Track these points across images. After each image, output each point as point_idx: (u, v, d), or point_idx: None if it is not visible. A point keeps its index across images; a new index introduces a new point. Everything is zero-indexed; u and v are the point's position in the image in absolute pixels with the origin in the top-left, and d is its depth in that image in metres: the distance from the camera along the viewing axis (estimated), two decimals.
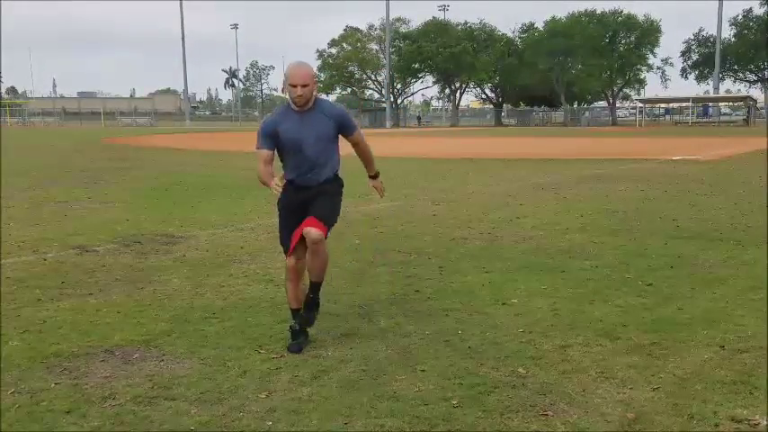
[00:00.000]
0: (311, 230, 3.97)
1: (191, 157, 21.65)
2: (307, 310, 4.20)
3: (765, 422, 3.07)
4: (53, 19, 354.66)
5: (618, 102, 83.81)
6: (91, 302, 5.04)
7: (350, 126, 4.21)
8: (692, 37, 75.08)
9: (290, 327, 4.17)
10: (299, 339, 4.12)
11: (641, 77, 79.92)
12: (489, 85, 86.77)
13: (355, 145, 4.31)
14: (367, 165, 4.45)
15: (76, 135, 43.68)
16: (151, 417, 3.18)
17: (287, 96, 4.01)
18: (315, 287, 4.18)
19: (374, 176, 4.47)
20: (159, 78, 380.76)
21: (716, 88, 72.73)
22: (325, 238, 4.03)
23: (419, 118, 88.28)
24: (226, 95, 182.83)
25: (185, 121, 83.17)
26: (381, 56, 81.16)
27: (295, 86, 3.91)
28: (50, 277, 5.78)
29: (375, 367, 3.73)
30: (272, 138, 4.04)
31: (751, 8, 71.59)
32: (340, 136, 4.18)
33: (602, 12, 76.51)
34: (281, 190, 3.96)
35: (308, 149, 4.04)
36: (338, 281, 5.50)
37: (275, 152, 4.08)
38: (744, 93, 73.99)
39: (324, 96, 4.48)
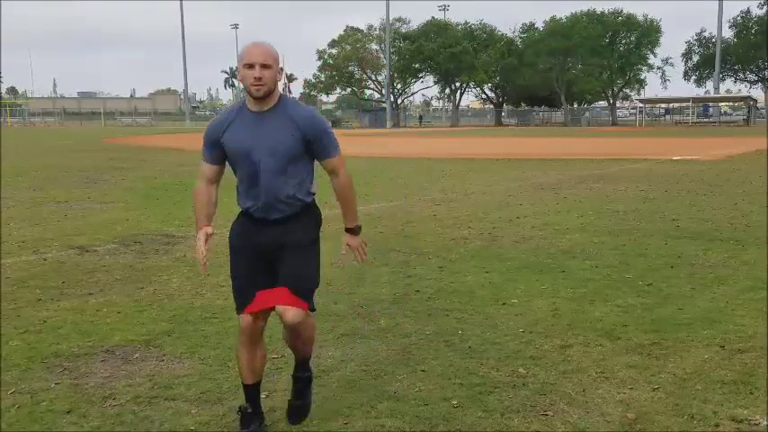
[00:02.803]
0: (287, 312, 2.83)
1: (191, 158, 21.61)
2: (299, 395, 3.12)
3: (765, 422, 3.07)
4: (53, 19, 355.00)
5: (618, 102, 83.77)
6: (91, 302, 5.04)
7: (325, 143, 2.88)
8: (694, 38, 75.08)
9: (240, 408, 3.02)
10: (253, 425, 2.98)
11: (641, 77, 79.93)
12: (489, 85, 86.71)
13: (332, 175, 2.97)
14: (344, 210, 3.05)
15: (76, 135, 43.66)
16: (151, 417, 3.19)
17: (241, 89, 2.92)
18: (303, 364, 3.18)
19: (351, 230, 3.08)
20: (159, 78, 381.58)
21: (716, 88, 72.69)
22: (308, 309, 2.93)
23: (420, 118, 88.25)
24: (226, 95, 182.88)
25: (185, 121, 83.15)
26: (382, 56, 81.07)
27: (252, 66, 2.73)
28: (50, 277, 5.79)
29: (375, 367, 3.73)
30: (214, 146, 2.92)
31: (749, 8, 71.70)
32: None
33: (602, 12, 76.53)
34: (203, 268, 2.98)
35: (261, 165, 2.83)
36: (338, 281, 5.49)
37: (223, 167, 2.98)
38: (744, 93, 73.96)
39: (292, 95, 3.48)
